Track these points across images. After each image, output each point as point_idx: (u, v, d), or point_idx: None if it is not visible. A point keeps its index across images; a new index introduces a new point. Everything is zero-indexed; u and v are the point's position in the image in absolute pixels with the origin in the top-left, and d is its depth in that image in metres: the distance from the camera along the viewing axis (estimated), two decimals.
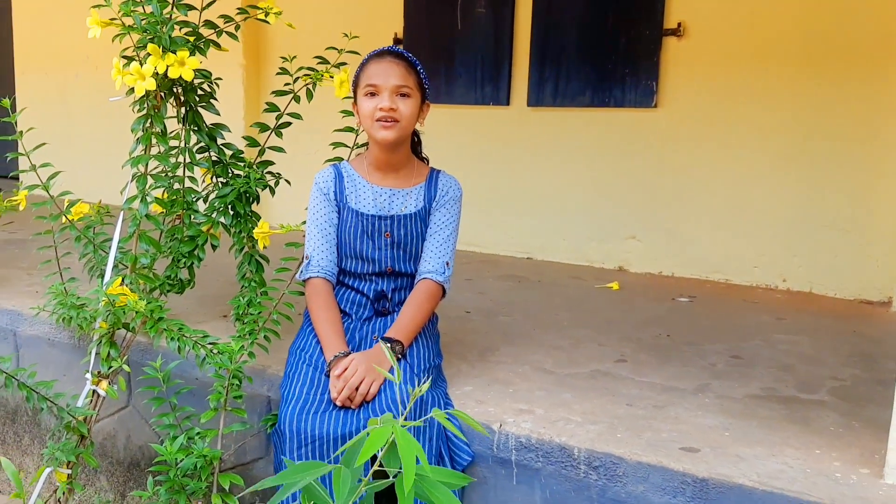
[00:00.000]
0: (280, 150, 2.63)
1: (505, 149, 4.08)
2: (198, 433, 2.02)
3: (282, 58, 2.68)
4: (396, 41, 4.27)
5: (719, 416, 1.95)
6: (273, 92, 2.60)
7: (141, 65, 2.25)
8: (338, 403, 1.88)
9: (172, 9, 2.34)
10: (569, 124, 3.88)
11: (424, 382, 1.94)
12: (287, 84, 2.58)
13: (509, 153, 4.07)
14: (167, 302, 2.45)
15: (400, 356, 1.98)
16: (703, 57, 3.53)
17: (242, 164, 2.54)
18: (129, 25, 2.33)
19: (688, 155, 3.63)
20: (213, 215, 2.48)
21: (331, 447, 1.84)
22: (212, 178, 2.57)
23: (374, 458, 1.86)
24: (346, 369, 1.89)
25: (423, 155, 2.26)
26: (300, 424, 1.84)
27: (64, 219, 2.50)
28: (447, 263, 2.14)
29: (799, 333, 2.77)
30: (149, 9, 2.31)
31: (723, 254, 3.60)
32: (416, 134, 2.23)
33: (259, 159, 2.58)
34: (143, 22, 2.30)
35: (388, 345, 1.98)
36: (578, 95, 3.81)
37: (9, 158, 2.60)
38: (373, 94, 2.05)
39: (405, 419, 1.86)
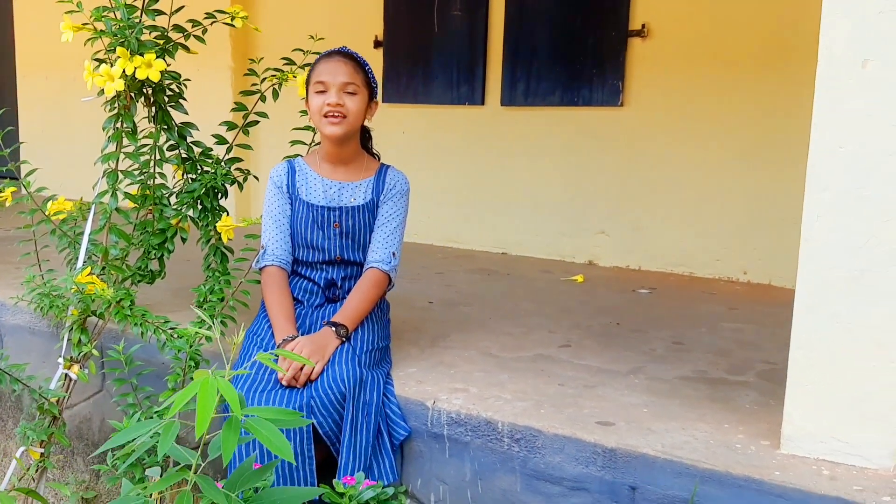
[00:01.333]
0: (247, 147, 2.76)
1: (480, 147, 4.21)
2: (156, 412, 2.15)
3: (250, 59, 2.83)
4: (377, 43, 4.41)
5: (644, 395, 2.06)
6: (241, 92, 2.74)
7: (111, 67, 2.39)
8: (283, 383, 2.01)
9: (142, 14, 2.49)
10: (540, 123, 4.00)
11: (365, 363, 2.09)
12: (254, 84, 2.72)
13: (484, 151, 4.20)
14: (138, 292, 2.58)
15: (344, 339, 2.11)
16: (666, 57, 3.65)
17: (210, 160, 2.68)
18: (100, 30, 2.47)
19: (653, 152, 3.74)
20: (182, 209, 2.62)
21: (276, 421, 1.96)
22: (182, 174, 2.71)
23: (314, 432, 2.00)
24: (292, 351, 2.03)
25: (374, 151, 2.40)
26: (248, 401, 1.97)
27: (42, 214, 2.65)
28: (393, 254, 2.27)
29: (747, 322, 2.88)
30: (119, 14, 2.45)
31: (686, 247, 3.71)
32: (366, 130, 2.36)
33: (228, 156, 2.73)
34: (114, 26, 2.44)
35: (333, 328, 2.12)
36: (549, 95, 3.93)
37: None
38: (322, 92, 2.19)
39: (346, 396, 2.00)
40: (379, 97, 2.34)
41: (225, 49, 4.84)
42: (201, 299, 2.46)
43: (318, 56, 2.28)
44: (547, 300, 3.16)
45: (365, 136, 2.36)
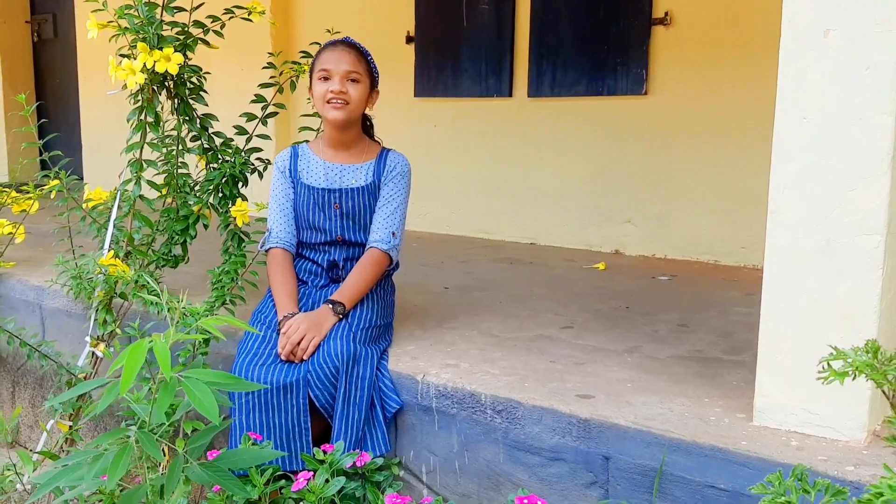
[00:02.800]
0: (266, 137, 2.87)
1: (508, 139, 4.25)
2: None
3: (269, 53, 2.94)
4: (409, 39, 4.50)
5: (632, 372, 2.09)
6: (260, 84, 2.86)
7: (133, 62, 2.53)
8: (282, 357, 2.11)
9: (162, 12, 2.63)
10: (566, 114, 4.02)
11: (361, 339, 2.17)
12: (272, 77, 2.84)
13: (512, 143, 4.24)
14: (164, 276, 2.72)
15: (341, 316, 2.19)
16: (689, 44, 3.63)
17: (230, 150, 2.80)
18: (123, 27, 2.62)
19: (678, 140, 3.72)
20: (203, 197, 2.75)
21: (273, 394, 2.06)
22: (206, 164, 2.84)
23: (311, 405, 2.09)
24: (290, 327, 2.12)
25: (377, 137, 2.48)
26: (248, 374, 2.07)
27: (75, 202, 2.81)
28: (393, 233, 2.34)
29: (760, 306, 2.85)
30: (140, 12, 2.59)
31: (711, 235, 3.68)
32: (367, 118, 2.45)
33: (248, 146, 2.85)
34: (135, 22, 2.58)
35: (331, 306, 2.21)
36: (574, 85, 3.95)
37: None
38: (325, 79, 2.28)
39: (339, 370, 2.08)
40: (380, 86, 2.41)
41: (265, 45, 5.00)
42: (215, 280, 2.57)
43: (321, 46, 2.37)
44: (562, 286, 3.19)
45: (367, 123, 2.44)
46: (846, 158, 1.55)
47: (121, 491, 1.59)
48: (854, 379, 1.05)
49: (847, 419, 1.61)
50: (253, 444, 1.99)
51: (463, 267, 3.60)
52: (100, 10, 2.65)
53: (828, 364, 1.07)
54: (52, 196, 2.87)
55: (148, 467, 1.59)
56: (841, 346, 1.54)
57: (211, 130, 2.79)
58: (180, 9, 2.66)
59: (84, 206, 2.80)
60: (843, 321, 1.58)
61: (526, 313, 2.73)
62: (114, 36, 2.63)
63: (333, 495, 1.77)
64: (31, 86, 7.29)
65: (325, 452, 1.87)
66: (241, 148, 2.82)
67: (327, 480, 1.74)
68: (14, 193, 3.37)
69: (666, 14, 3.67)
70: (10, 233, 3.26)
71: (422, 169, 4.40)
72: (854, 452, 1.58)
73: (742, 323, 2.61)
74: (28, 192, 3.08)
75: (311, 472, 1.86)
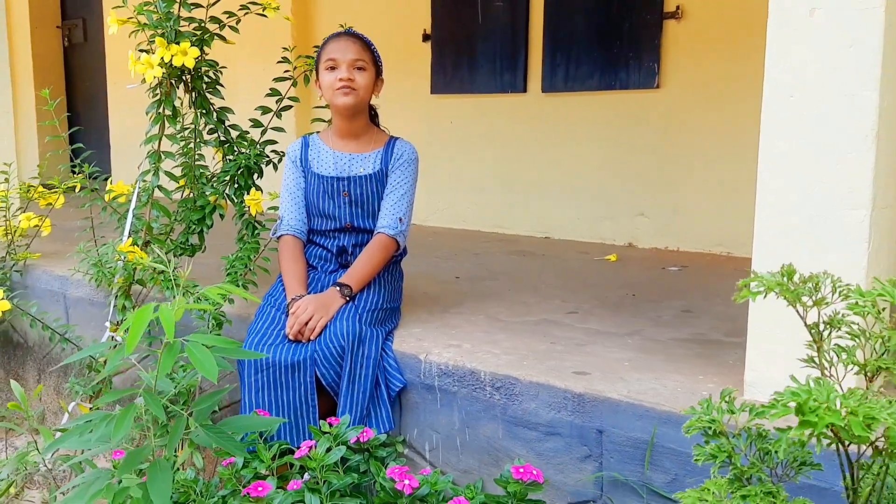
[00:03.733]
0: (281, 129, 2.95)
1: (523, 134, 4.30)
2: (181, 366, 2.35)
3: (283, 48, 3.02)
4: (426, 37, 4.56)
5: (631, 352, 2.13)
6: (274, 78, 2.94)
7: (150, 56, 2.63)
8: (290, 337, 2.17)
9: (179, 8, 2.72)
10: (579, 108, 4.07)
11: (366, 321, 2.23)
12: (287, 71, 2.92)
13: (527, 138, 4.29)
14: (179, 265, 2.80)
15: (348, 298, 2.25)
16: (700, 38, 3.66)
17: (246, 142, 2.88)
18: (142, 23, 2.71)
19: (690, 133, 3.75)
20: (219, 187, 2.83)
21: (281, 373, 2.13)
22: (223, 156, 2.93)
23: (318, 384, 2.15)
24: (298, 307, 2.19)
25: (383, 127, 2.54)
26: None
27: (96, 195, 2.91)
28: (400, 219, 2.40)
29: None
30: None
31: (724, 227, 3.70)
32: (372, 108, 2.51)
33: (263, 139, 2.93)
34: (155, 19, 2.68)
35: (339, 289, 2.27)
36: (587, 79, 3.99)
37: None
38: (332, 68, 2.35)
39: (345, 349, 2.15)
40: (384, 75, 2.47)
41: (287, 41, 5.10)
42: (228, 267, 2.65)
43: (327, 37, 2.43)
44: (572, 276, 3.23)
45: (372, 113, 2.51)
46: (832, 135, 1.58)
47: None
48: (765, 297, 1.10)
49: None
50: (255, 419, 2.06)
51: (476, 259, 3.65)
52: (120, 6, 2.75)
53: (745, 284, 1.12)
54: (76, 190, 2.97)
55: (158, 435, 1.66)
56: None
57: (228, 123, 2.87)
58: (197, 5, 2.74)
59: (105, 196, 2.90)
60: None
61: (533, 300, 2.77)
62: (133, 32, 2.73)
63: (336, 464, 1.83)
64: (61, 89, 7.47)
65: (330, 425, 1.93)
66: (257, 140, 2.90)
67: (329, 449, 1.80)
68: (41, 188, 3.50)
69: (677, 8, 3.70)
70: (37, 225, 3.37)
71: (438, 165, 4.48)
72: None
73: (748, 309, 2.63)
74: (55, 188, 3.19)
75: (315, 442, 1.92)
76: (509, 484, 1.73)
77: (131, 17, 2.73)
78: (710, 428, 1.15)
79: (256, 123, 2.91)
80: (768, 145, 1.66)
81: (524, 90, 4.24)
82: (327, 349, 2.12)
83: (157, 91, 2.76)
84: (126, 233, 2.76)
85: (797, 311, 1.13)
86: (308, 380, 2.13)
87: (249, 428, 1.73)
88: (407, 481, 1.73)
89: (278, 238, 2.46)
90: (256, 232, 2.78)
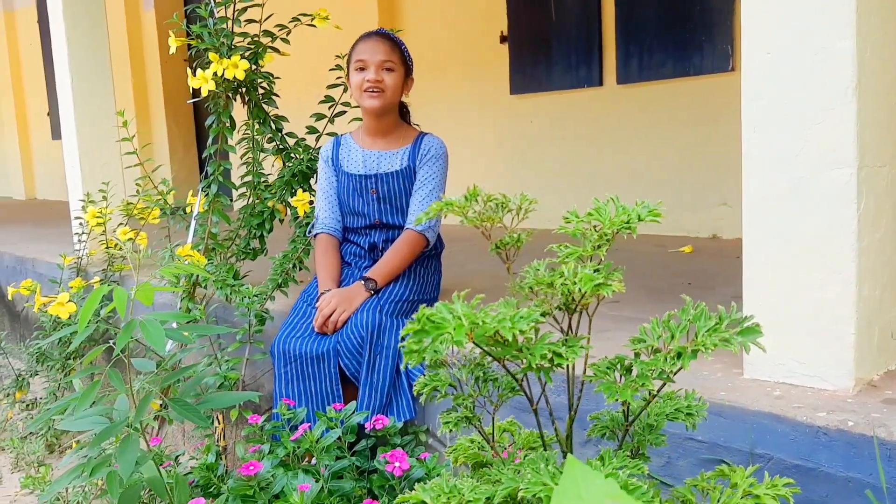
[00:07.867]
0: (334, 135, 3.05)
1: (601, 127, 4.22)
2: (225, 360, 2.48)
3: (336, 56, 3.13)
4: (503, 39, 4.58)
5: None
6: (328, 86, 3.05)
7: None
8: (316, 330, 2.25)
9: (232, 25, 2.88)
10: (655, 97, 3.95)
11: (388, 311, 2.27)
12: (339, 78, 3.02)
13: (605, 131, 4.21)
14: (243, 267, 2.96)
15: (372, 291, 2.30)
16: None
17: (301, 149, 3.00)
18: (199, 41, 2.89)
19: None
20: (277, 193, 2.96)
21: (307, 364, 2.21)
22: (283, 163, 3.07)
23: (342, 372, 2.21)
24: (323, 301, 2.26)
25: (414, 124, 2.58)
26: (285, 346, 2.24)
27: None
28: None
29: None
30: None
31: None
32: (404, 105, 2.55)
33: (318, 144, 3.04)
34: (208, 33, 2.85)
35: (363, 282, 2.32)
36: (661, 67, 3.87)
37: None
38: (361, 69, 2.41)
39: (365, 339, 2.19)
40: (415, 74, 2.52)
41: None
42: (276, 265, 2.77)
43: (358, 37, 2.50)
44: (635, 267, 3.13)
45: (403, 110, 2.55)
46: (810, 90, 1.48)
47: None
48: (445, 217, 1.07)
49: (833, 367, 1.52)
50: (287, 410, 2.14)
51: (545, 256, 3.60)
52: (177, 25, 2.94)
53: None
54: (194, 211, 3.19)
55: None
56: (817, 287, 1.48)
57: (284, 132, 3.01)
58: (250, 20, 2.90)
59: (187, 209, 3.10)
60: (817, 260, 1.50)
61: None
62: (191, 49, 2.92)
63: (342, 449, 1.87)
64: (190, 119, 8.02)
65: (336, 411, 1.98)
66: (311, 146, 3.02)
67: (324, 433, 1.85)
68: (140, 205, 3.78)
69: None
70: (131, 239, 3.65)
71: (522, 165, 4.47)
72: (837, 401, 1.49)
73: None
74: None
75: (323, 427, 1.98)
76: None
77: (189, 36, 2.93)
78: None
79: (311, 130, 3.03)
80: (748, 106, 1.58)
81: (600, 83, 4.17)
82: (349, 340, 2.18)
83: (216, 104, 2.94)
84: (189, 238, 2.94)
85: (483, 233, 1.13)
86: (332, 370, 2.20)
87: (221, 403, 1.82)
88: (397, 464, 1.75)
89: (314, 237, 2.54)
90: (307, 232, 2.89)
